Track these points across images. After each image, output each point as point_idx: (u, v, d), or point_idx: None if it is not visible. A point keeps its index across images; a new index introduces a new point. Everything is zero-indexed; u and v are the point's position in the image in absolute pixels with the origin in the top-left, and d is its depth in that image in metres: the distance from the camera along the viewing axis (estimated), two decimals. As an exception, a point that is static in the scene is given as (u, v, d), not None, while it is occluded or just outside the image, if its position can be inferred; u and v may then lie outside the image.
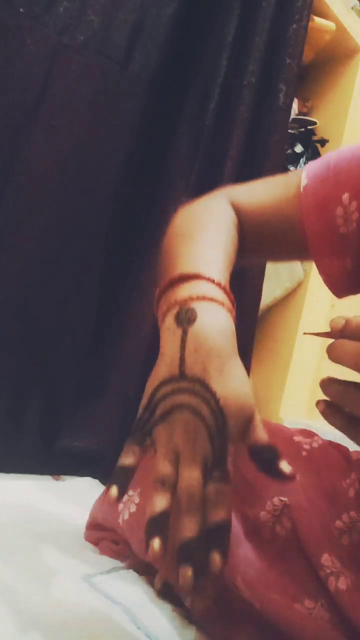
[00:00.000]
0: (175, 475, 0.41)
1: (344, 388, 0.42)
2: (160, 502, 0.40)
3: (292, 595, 0.50)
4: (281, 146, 1.14)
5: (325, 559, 0.51)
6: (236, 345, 0.47)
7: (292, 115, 1.55)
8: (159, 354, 0.47)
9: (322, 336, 0.45)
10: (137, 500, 0.61)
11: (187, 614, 0.56)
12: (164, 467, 0.42)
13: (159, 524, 0.39)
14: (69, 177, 0.95)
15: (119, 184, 1.03)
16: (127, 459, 0.43)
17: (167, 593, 0.58)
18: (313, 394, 1.55)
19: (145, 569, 0.62)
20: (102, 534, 0.68)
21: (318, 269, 0.66)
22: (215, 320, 0.46)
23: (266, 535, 0.54)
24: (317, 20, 1.42)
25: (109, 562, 0.64)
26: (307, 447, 0.62)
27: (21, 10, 0.87)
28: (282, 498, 0.55)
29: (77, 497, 0.86)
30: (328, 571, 0.51)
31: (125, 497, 0.62)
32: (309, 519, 0.54)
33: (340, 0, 1.50)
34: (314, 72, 1.66)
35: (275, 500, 0.55)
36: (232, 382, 0.43)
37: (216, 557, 0.38)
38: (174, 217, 0.65)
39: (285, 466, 0.41)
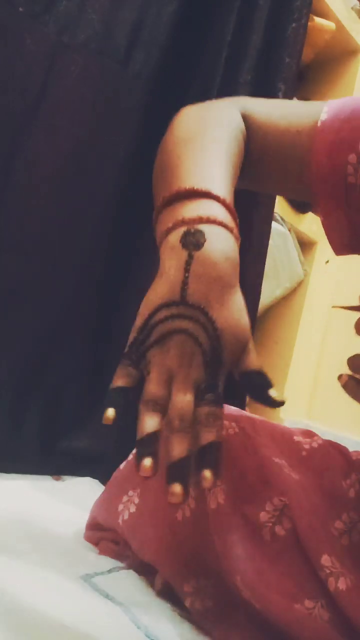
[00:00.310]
0: (167, 397, 0.40)
1: None
2: (150, 423, 0.39)
3: (292, 595, 0.50)
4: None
5: (325, 559, 0.51)
6: (238, 275, 0.45)
7: (292, 115, 1.55)
8: (158, 273, 0.45)
9: (352, 309, 0.46)
10: (136, 500, 0.61)
11: (186, 614, 0.56)
12: (156, 388, 0.41)
13: (149, 444, 0.38)
14: (69, 176, 0.95)
15: (119, 183, 1.03)
16: (121, 380, 0.42)
17: (167, 593, 0.58)
18: (313, 394, 1.55)
19: (145, 569, 0.62)
20: (102, 534, 0.68)
21: (319, 214, 0.62)
22: (223, 248, 0.44)
23: (266, 535, 0.54)
24: (317, 20, 1.42)
25: (109, 562, 0.64)
26: (307, 447, 0.62)
27: (21, 9, 0.86)
28: (282, 498, 0.55)
29: (77, 497, 0.86)
30: (328, 571, 0.51)
31: (125, 498, 0.62)
32: (309, 519, 0.54)
33: (340, 0, 1.50)
34: (314, 72, 1.66)
35: (275, 500, 0.55)
36: (231, 313, 0.43)
37: (207, 473, 0.37)
38: (178, 115, 0.61)
39: (274, 392, 0.41)
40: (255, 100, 0.65)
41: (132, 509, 0.61)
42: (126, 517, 0.61)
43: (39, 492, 0.85)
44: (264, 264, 1.23)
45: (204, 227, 0.44)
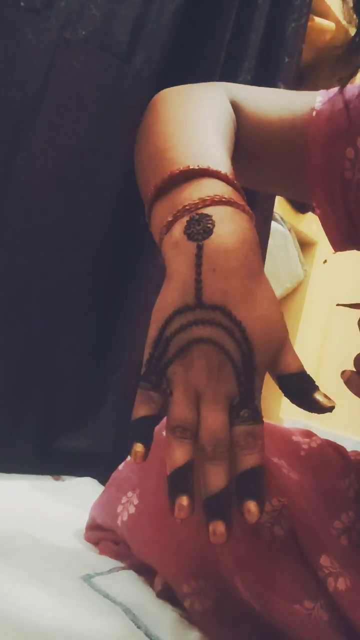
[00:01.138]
0: (196, 420, 0.35)
1: None
2: (182, 453, 0.33)
3: (291, 596, 0.50)
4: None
5: (324, 559, 0.51)
6: (262, 259, 0.39)
7: (292, 115, 1.55)
8: (166, 276, 0.39)
9: (355, 307, 0.45)
10: (136, 501, 0.61)
11: (186, 615, 0.56)
12: (182, 411, 0.34)
13: (183, 478, 0.33)
14: (70, 173, 0.95)
15: (120, 180, 1.03)
16: (144, 409, 0.36)
17: (167, 594, 0.58)
18: (313, 394, 1.55)
19: (145, 569, 0.62)
20: (102, 534, 0.68)
21: (316, 212, 0.59)
22: (237, 230, 0.38)
23: (265, 536, 0.54)
24: (317, 20, 1.42)
25: (109, 562, 0.64)
26: (305, 446, 0.62)
27: (22, 4, 0.86)
28: (281, 499, 0.55)
29: (76, 497, 0.86)
30: (327, 572, 0.51)
31: (125, 499, 0.62)
32: (308, 519, 0.54)
33: (340, 0, 1.50)
34: (314, 72, 1.66)
35: (274, 501, 0.55)
36: (259, 307, 0.36)
37: (251, 506, 0.32)
38: (158, 97, 0.55)
39: (321, 396, 0.35)
40: (242, 86, 0.60)
41: (132, 510, 0.61)
42: (125, 518, 0.61)
43: (39, 492, 0.85)
44: (264, 263, 1.23)
45: (209, 210, 0.38)
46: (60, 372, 1.02)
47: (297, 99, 0.59)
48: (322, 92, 0.58)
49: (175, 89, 0.57)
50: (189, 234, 0.38)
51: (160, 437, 0.62)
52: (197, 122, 0.48)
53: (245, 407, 0.35)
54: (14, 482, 0.86)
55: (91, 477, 0.99)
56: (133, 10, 0.97)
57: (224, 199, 0.39)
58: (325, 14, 1.47)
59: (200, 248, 0.37)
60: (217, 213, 0.38)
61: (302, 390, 0.36)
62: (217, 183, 0.40)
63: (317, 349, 1.57)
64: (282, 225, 1.45)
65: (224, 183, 0.41)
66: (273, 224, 1.34)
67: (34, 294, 0.96)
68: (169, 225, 0.40)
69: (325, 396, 0.36)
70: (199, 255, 0.37)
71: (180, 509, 0.33)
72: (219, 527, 0.32)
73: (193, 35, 1.07)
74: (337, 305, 0.50)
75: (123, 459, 0.69)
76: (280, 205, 1.47)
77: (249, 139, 0.56)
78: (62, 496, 0.86)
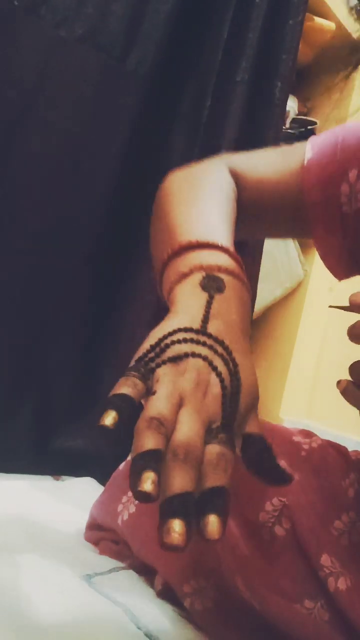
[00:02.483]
0: (173, 421, 0.34)
1: None
2: (153, 440, 0.32)
3: (292, 595, 0.50)
4: (276, 141, 1.14)
5: (325, 559, 0.51)
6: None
7: (292, 115, 1.55)
8: (170, 313, 0.41)
9: (345, 310, 0.45)
10: (136, 501, 0.61)
11: (186, 614, 0.56)
12: (163, 407, 0.34)
13: (150, 459, 0.31)
14: (64, 171, 0.95)
15: (114, 179, 1.03)
16: (124, 389, 0.35)
17: (167, 593, 0.58)
18: (313, 394, 1.55)
19: (145, 569, 0.62)
20: (102, 534, 0.68)
21: (317, 248, 0.63)
22: (240, 297, 0.43)
23: (265, 536, 0.54)
24: (317, 20, 1.42)
25: (109, 562, 0.64)
26: (306, 447, 0.62)
27: (16, 3, 0.86)
28: (281, 498, 0.55)
29: (76, 497, 0.86)
30: (327, 571, 0.51)
31: (125, 498, 0.62)
32: (308, 519, 0.54)
33: (340, 0, 1.50)
34: (314, 72, 1.66)
35: (275, 500, 0.55)
36: (249, 362, 0.39)
37: (212, 518, 0.30)
38: (166, 180, 0.60)
39: (282, 465, 0.36)
40: (240, 156, 0.66)
41: (132, 509, 0.61)
42: (126, 517, 0.61)
43: (39, 492, 0.85)
44: (260, 265, 1.23)
45: (221, 275, 0.43)
46: (56, 373, 1.02)
47: (289, 153, 0.64)
48: (311, 139, 0.62)
49: (181, 173, 0.62)
50: (204, 286, 0.42)
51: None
52: (202, 203, 0.54)
53: (223, 432, 0.34)
54: (14, 482, 0.86)
55: (90, 477, 0.98)
56: (129, 9, 0.97)
57: (234, 272, 0.44)
58: (325, 14, 1.47)
59: (212, 297, 0.41)
60: (227, 280, 0.43)
61: (263, 452, 0.35)
62: (224, 256, 0.46)
63: (316, 349, 1.57)
64: (282, 225, 1.45)
65: (229, 256, 0.46)
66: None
67: (28, 294, 0.96)
68: (185, 276, 0.44)
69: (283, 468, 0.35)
70: (209, 302, 0.41)
71: (144, 483, 0.30)
72: (177, 525, 0.29)
73: (189, 35, 1.07)
74: (330, 307, 0.49)
75: (122, 459, 0.69)
76: (280, 205, 1.47)
77: (251, 200, 0.62)
78: (62, 496, 0.86)
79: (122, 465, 0.68)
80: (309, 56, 1.53)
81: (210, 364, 0.37)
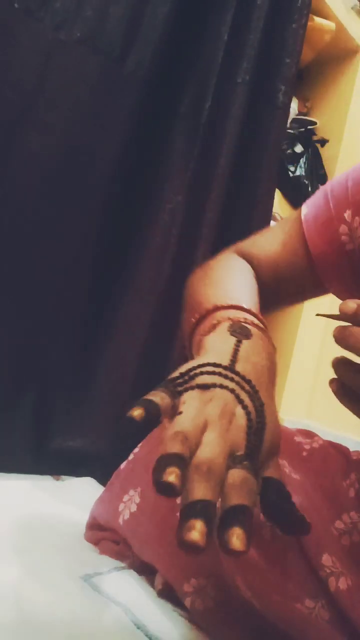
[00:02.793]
0: (198, 439, 0.33)
1: (353, 374, 0.40)
2: (176, 446, 0.32)
3: (293, 595, 0.50)
4: (279, 144, 1.14)
5: (326, 559, 0.51)
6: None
7: (292, 115, 1.55)
8: (199, 354, 0.42)
9: (334, 318, 0.45)
10: (137, 500, 0.61)
11: (187, 614, 0.56)
12: (189, 424, 0.34)
13: (174, 459, 0.31)
14: (64, 173, 0.95)
15: (113, 181, 1.03)
16: (153, 397, 0.35)
17: (167, 593, 0.58)
18: (313, 394, 1.55)
19: (145, 569, 0.62)
20: (103, 534, 0.68)
21: (332, 292, 0.67)
22: (267, 347, 0.44)
23: (266, 535, 0.54)
24: (317, 20, 1.42)
25: (109, 562, 0.64)
26: (307, 447, 0.62)
27: (16, 5, 0.86)
28: (283, 498, 0.55)
29: (76, 497, 0.86)
30: (328, 571, 0.51)
31: (126, 497, 0.62)
32: (309, 519, 0.54)
33: (340, 0, 1.50)
34: (314, 72, 1.66)
35: (276, 500, 0.55)
36: (274, 408, 0.39)
37: (239, 531, 0.29)
38: (189, 279, 0.65)
39: (298, 512, 0.34)
40: (245, 242, 0.72)
41: (133, 508, 0.61)
42: (127, 516, 0.61)
43: (39, 492, 0.85)
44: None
45: (248, 326, 0.45)
46: (54, 373, 1.02)
47: (288, 223, 0.69)
48: (307, 201, 0.68)
49: (200, 270, 0.67)
50: (232, 332, 0.44)
51: (162, 437, 0.62)
52: (226, 282, 0.59)
53: (247, 460, 0.33)
54: (14, 482, 0.86)
55: (90, 477, 0.98)
56: (127, 12, 0.97)
57: (260, 326, 0.46)
58: (325, 14, 1.47)
59: (239, 341, 0.42)
60: (253, 330, 0.45)
61: (283, 499, 0.34)
62: (249, 315, 0.48)
63: (316, 349, 1.57)
64: (282, 225, 1.45)
65: (253, 316, 0.49)
66: (273, 223, 1.34)
67: (27, 295, 0.96)
68: (214, 327, 0.46)
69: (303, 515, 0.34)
70: (237, 345, 0.42)
71: (170, 475, 0.30)
72: (199, 524, 0.28)
73: (189, 35, 1.07)
74: (317, 315, 0.51)
75: (122, 458, 0.69)
76: (280, 206, 1.47)
77: (268, 277, 0.66)
78: (62, 496, 0.86)
79: (123, 465, 0.68)
80: (309, 56, 1.53)
81: (237, 397, 0.37)
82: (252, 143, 1.12)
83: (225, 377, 0.38)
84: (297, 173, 1.51)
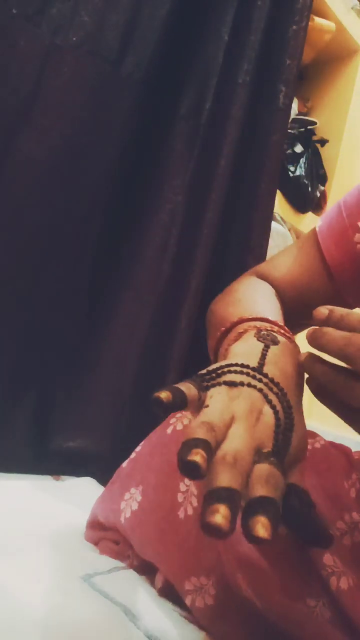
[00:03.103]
0: (224, 432, 0.33)
1: (331, 372, 0.40)
2: (202, 432, 0.31)
3: (294, 594, 0.50)
4: (280, 145, 1.14)
5: (327, 558, 0.51)
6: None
7: (292, 115, 1.55)
8: (227, 357, 0.42)
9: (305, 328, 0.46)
10: (139, 498, 0.61)
11: (187, 614, 0.56)
12: (214, 417, 0.33)
13: (200, 443, 0.30)
14: (62, 177, 0.95)
15: (110, 184, 1.03)
16: (182, 386, 0.35)
17: (168, 593, 0.58)
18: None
19: (145, 569, 0.62)
20: (103, 533, 0.67)
21: (353, 305, 0.67)
22: (294, 354, 0.44)
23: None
24: (317, 20, 1.43)
25: (109, 562, 0.64)
26: (309, 447, 0.61)
27: (14, 11, 0.87)
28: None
29: (76, 497, 0.86)
30: (330, 571, 0.51)
31: (128, 495, 0.62)
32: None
33: (340, 0, 1.50)
34: (314, 72, 1.66)
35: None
36: (301, 412, 0.39)
37: (264, 520, 0.28)
38: (211, 305, 0.66)
39: (323, 520, 0.33)
40: (263, 265, 0.73)
41: (135, 506, 0.61)
42: (128, 515, 0.61)
43: (39, 491, 0.84)
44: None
45: (274, 333, 0.45)
46: (54, 373, 1.02)
47: (303, 241, 0.70)
48: (321, 216, 0.70)
49: (222, 295, 0.68)
50: (259, 337, 0.44)
51: (164, 434, 0.62)
52: (248, 301, 0.59)
53: (274, 457, 0.33)
54: (14, 482, 0.86)
55: (90, 477, 0.98)
56: (123, 16, 0.97)
57: (287, 335, 0.47)
58: (325, 14, 1.47)
59: (267, 347, 0.42)
60: (280, 338, 0.45)
61: (308, 507, 0.33)
62: (275, 327, 0.48)
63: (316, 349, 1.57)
64: (282, 225, 1.45)
65: (279, 327, 0.49)
66: (273, 224, 1.34)
67: (25, 294, 0.96)
68: (241, 335, 0.46)
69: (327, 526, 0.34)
70: (265, 350, 0.42)
71: (196, 455, 0.29)
72: (223, 509, 0.27)
73: (188, 36, 1.07)
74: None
75: (122, 458, 0.69)
76: (280, 205, 1.47)
77: (290, 297, 0.67)
78: (62, 496, 0.86)
79: (125, 463, 0.68)
80: (309, 56, 1.54)
81: (265, 396, 0.37)
82: (252, 144, 1.12)
83: (254, 377, 0.38)
84: (297, 173, 1.51)
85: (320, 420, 1.45)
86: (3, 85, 0.88)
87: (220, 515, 0.27)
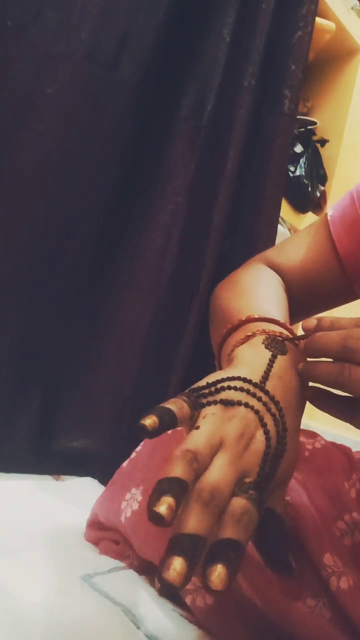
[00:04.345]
0: (207, 463, 0.33)
1: (335, 368, 0.39)
2: (182, 470, 0.31)
3: (294, 593, 0.50)
4: (285, 149, 1.14)
5: (327, 558, 0.51)
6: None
7: (292, 115, 1.55)
8: (232, 364, 0.41)
9: (300, 339, 0.45)
10: (139, 498, 0.61)
11: (187, 614, 0.56)
12: (202, 444, 0.33)
13: (173, 486, 0.30)
14: (57, 183, 0.95)
15: (107, 189, 1.03)
16: (171, 405, 0.34)
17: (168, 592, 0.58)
18: (313, 394, 1.54)
19: (145, 569, 0.62)
20: (103, 533, 0.67)
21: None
22: (298, 363, 0.43)
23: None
24: (317, 20, 1.42)
25: (109, 562, 0.64)
26: (309, 447, 0.62)
27: (9, 23, 0.87)
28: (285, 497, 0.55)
29: (77, 497, 0.86)
30: (330, 571, 0.51)
31: (129, 495, 0.62)
32: (311, 518, 0.54)
33: (340, 0, 1.50)
34: (314, 72, 1.66)
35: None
36: (296, 432, 0.39)
37: (220, 570, 0.28)
38: (218, 287, 0.65)
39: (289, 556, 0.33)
40: (271, 251, 0.71)
41: (135, 506, 0.61)
42: (129, 514, 0.61)
43: (39, 491, 0.84)
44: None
45: (285, 342, 0.44)
46: (56, 373, 1.02)
47: (313, 228, 0.69)
48: (333, 205, 0.68)
49: (226, 280, 0.66)
50: (267, 345, 0.43)
51: (164, 435, 0.62)
52: (254, 293, 0.58)
53: (255, 489, 0.33)
54: (14, 482, 0.86)
55: (91, 477, 0.98)
56: (118, 22, 0.97)
57: (297, 342, 0.45)
58: (325, 14, 1.47)
59: (275, 356, 0.41)
60: (289, 346, 0.44)
61: (280, 537, 0.33)
62: (283, 329, 0.48)
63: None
64: (282, 225, 1.45)
65: (287, 330, 0.48)
66: (280, 228, 1.34)
67: (28, 295, 0.96)
68: (248, 338, 0.45)
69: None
70: (272, 360, 0.41)
71: (162, 505, 0.29)
72: (179, 564, 0.28)
73: (185, 42, 1.07)
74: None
75: (123, 458, 0.69)
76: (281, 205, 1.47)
77: (298, 286, 0.66)
78: (62, 496, 0.86)
79: (125, 463, 0.68)
80: (309, 56, 1.53)
81: (261, 419, 0.36)
82: (256, 148, 1.11)
83: (253, 395, 0.37)
84: (297, 173, 1.51)
85: (320, 420, 1.44)
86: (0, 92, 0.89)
87: (175, 572, 0.28)
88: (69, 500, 0.83)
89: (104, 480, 0.89)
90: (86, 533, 0.71)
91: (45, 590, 0.53)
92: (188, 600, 0.54)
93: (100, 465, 0.99)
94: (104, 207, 1.03)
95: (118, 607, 0.55)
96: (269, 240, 1.14)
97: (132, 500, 0.61)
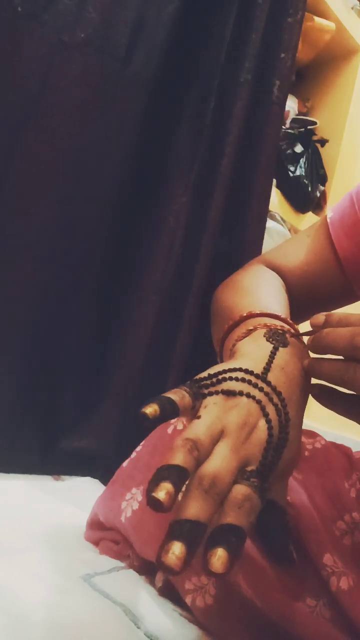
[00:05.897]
0: (209, 451, 0.33)
1: (340, 365, 0.39)
2: (183, 458, 0.31)
3: (294, 593, 0.50)
4: (275, 140, 1.12)
5: (327, 558, 0.51)
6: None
7: (292, 115, 1.55)
8: (234, 357, 0.41)
9: (306, 335, 0.45)
10: (140, 498, 0.60)
11: (187, 614, 0.56)
12: (202, 433, 0.33)
13: (172, 473, 0.30)
14: (68, 176, 0.95)
15: (118, 183, 1.03)
16: (173, 395, 0.34)
17: (168, 592, 0.58)
18: (313, 394, 1.54)
19: (145, 569, 0.62)
20: (103, 533, 0.67)
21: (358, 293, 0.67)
22: (302, 358, 0.43)
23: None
24: (317, 20, 1.43)
25: (109, 562, 0.64)
26: (309, 447, 0.62)
27: (19, 9, 0.86)
28: (285, 497, 0.55)
29: (77, 497, 0.86)
30: (330, 570, 0.51)
31: (129, 495, 0.62)
32: (311, 518, 0.54)
33: (340, 0, 1.50)
34: (314, 72, 1.66)
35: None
36: (299, 423, 0.38)
37: (221, 553, 0.28)
38: (219, 288, 0.65)
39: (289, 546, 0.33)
40: (271, 252, 0.71)
41: (135, 506, 0.61)
42: (129, 514, 0.61)
43: (39, 491, 0.84)
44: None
45: (287, 336, 0.44)
46: (62, 374, 1.02)
47: (314, 229, 0.68)
48: (332, 207, 0.68)
49: (227, 281, 0.66)
50: (269, 338, 0.42)
51: (164, 434, 0.62)
52: (255, 292, 0.58)
53: (257, 477, 0.32)
54: (14, 482, 0.86)
55: (92, 476, 0.98)
56: (131, 13, 0.96)
57: (297, 336, 0.45)
58: (325, 14, 1.47)
59: (276, 348, 0.41)
60: (290, 339, 0.44)
61: (281, 526, 0.33)
62: (285, 324, 0.48)
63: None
64: (282, 225, 1.45)
65: (289, 325, 0.48)
66: (273, 224, 1.34)
67: (33, 296, 0.96)
68: (249, 332, 0.45)
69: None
70: (273, 352, 0.41)
71: (161, 491, 0.29)
72: (178, 548, 0.28)
73: (192, 37, 1.07)
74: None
75: (125, 458, 0.69)
76: (280, 205, 1.47)
77: (298, 286, 0.66)
78: (63, 496, 0.86)
79: (126, 462, 0.68)
80: (309, 56, 1.54)
81: (263, 409, 0.36)
82: (249, 141, 1.11)
83: (255, 385, 0.37)
84: (297, 173, 1.51)
85: (320, 420, 1.44)
86: (9, 85, 0.87)
87: (174, 556, 0.28)
88: (69, 500, 0.83)
89: (105, 481, 0.89)
90: (86, 533, 0.71)
91: (46, 590, 0.53)
92: (188, 600, 0.54)
93: (101, 465, 0.99)
94: (112, 205, 1.02)
95: (118, 607, 0.54)
96: (259, 235, 1.14)
97: (133, 500, 0.61)
